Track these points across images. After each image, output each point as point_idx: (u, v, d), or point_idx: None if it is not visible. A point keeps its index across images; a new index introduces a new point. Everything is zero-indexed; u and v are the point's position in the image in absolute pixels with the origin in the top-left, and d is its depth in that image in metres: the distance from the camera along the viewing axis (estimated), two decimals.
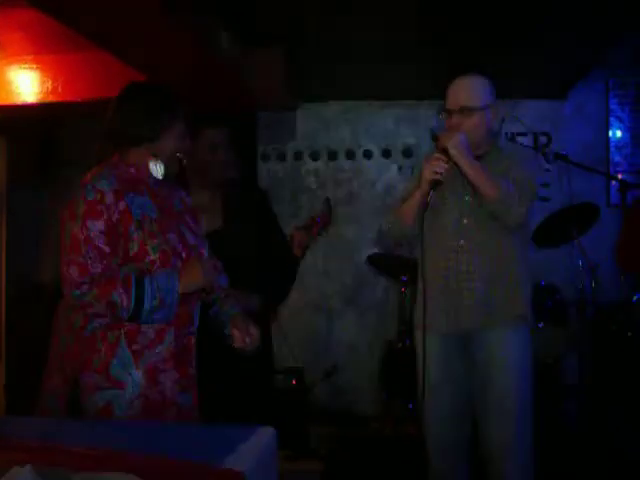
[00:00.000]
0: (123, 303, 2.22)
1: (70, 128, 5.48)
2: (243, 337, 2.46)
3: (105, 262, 2.26)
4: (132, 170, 2.41)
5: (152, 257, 2.31)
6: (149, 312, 2.25)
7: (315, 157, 6.13)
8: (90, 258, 2.25)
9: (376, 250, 5.56)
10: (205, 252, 2.55)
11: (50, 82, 4.97)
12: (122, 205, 2.30)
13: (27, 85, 4.96)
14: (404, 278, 5.13)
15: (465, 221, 2.95)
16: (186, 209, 2.56)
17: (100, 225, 2.26)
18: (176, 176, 2.66)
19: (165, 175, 2.44)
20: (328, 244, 5.81)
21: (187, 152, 2.54)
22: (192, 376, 2.44)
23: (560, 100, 5.88)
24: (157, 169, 2.42)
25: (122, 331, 2.30)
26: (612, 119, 5.87)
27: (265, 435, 1.76)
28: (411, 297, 5.11)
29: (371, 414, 5.57)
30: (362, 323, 5.98)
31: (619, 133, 5.86)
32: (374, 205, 6.02)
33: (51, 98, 4.96)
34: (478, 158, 2.95)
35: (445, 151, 2.86)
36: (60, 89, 4.96)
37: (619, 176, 5.46)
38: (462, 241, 2.94)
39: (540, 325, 4.67)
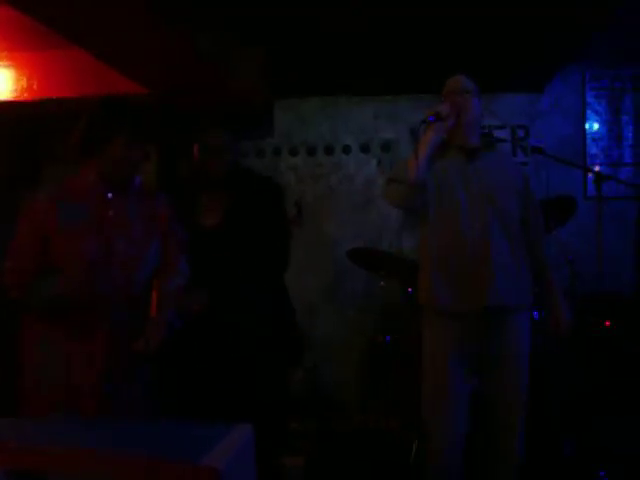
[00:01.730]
0: (18, 295, 2.68)
1: (46, 126, 5.44)
2: (143, 341, 2.68)
3: (23, 256, 2.68)
4: (77, 179, 2.75)
5: (62, 258, 2.65)
6: (39, 307, 2.65)
7: (294, 153, 6.12)
8: (16, 250, 2.70)
9: (356, 244, 5.57)
10: (144, 253, 2.79)
11: (25, 79, 4.94)
12: (50, 211, 2.66)
13: (2, 83, 4.92)
14: (384, 272, 5.13)
15: (479, 208, 3.08)
16: (140, 215, 2.81)
17: (27, 226, 2.69)
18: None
19: (111, 179, 2.73)
20: (308, 239, 5.81)
21: (138, 160, 2.77)
22: (100, 368, 2.65)
23: (537, 93, 5.90)
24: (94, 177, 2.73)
25: (46, 322, 2.67)
26: (589, 112, 5.90)
27: (241, 432, 1.76)
28: (399, 287, 5.13)
29: (353, 409, 5.58)
30: (342, 317, 5.99)
31: (596, 126, 5.89)
32: (353, 200, 6.03)
33: (26, 96, 4.93)
34: (473, 149, 3.18)
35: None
36: (35, 86, 4.93)
37: (596, 168, 5.50)
38: (477, 224, 3.06)
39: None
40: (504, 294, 3.04)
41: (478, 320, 3.05)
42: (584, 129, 5.89)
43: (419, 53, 4.87)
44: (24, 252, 2.69)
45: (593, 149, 5.86)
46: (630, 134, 5.84)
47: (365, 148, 6.06)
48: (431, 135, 3.03)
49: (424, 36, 4.65)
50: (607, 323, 4.58)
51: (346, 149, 6.09)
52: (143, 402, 2.80)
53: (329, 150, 6.10)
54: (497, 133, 5.51)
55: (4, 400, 2.87)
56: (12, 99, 4.95)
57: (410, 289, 4.86)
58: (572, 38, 4.69)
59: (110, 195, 2.74)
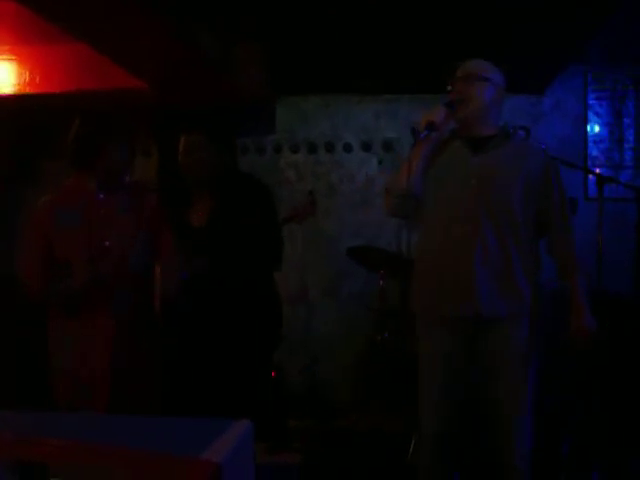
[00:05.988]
0: (36, 291, 2.95)
1: (48, 120, 5.44)
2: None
3: (31, 253, 2.96)
4: (73, 184, 3.03)
5: (62, 256, 2.92)
6: (57, 304, 2.94)
7: (295, 150, 6.13)
8: (24, 250, 3.01)
9: (356, 243, 5.58)
10: (134, 245, 3.00)
11: (28, 74, 4.94)
12: (49, 214, 2.95)
13: (4, 77, 4.92)
14: (383, 271, 5.14)
15: (468, 206, 2.90)
16: (129, 211, 3.04)
17: (32, 227, 2.99)
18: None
19: (103, 183, 2.99)
20: (307, 237, 5.82)
21: (126, 162, 3.07)
22: (109, 352, 2.93)
23: (539, 95, 5.91)
24: (89, 181, 3.00)
25: (55, 312, 2.97)
26: (590, 114, 5.92)
27: (241, 428, 1.76)
28: (398, 286, 5.13)
29: (350, 407, 5.59)
30: (341, 316, 6.00)
31: (597, 128, 5.90)
32: (354, 198, 6.04)
33: (28, 90, 4.93)
34: (484, 139, 2.99)
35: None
36: (38, 81, 4.94)
37: (597, 170, 5.51)
38: (469, 226, 2.88)
39: None
40: (486, 304, 2.85)
41: (463, 327, 2.91)
42: (585, 131, 5.90)
43: (420, 53, 4.88)
44: (32, 254, 2.98)
45: (594, 151, 5.88)
46: (631, 137, 5.85)
47: (366, 147, 6.07)
48: (424, 146, 2.92)
49: (426, 36, 4.66)
50: (606, 323, 4.57)
51: (347, 147, 6.09)
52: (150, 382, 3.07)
53: (330, 148, 6.10)
54: None
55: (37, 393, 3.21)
56: (14, 93, 4.96)
57: None
58: (574, 36, 4.69)
59: (101, 196, 3.01)
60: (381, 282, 5.16)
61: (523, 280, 2.91)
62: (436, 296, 2.97)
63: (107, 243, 2.94)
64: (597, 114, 5.91)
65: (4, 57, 4.92)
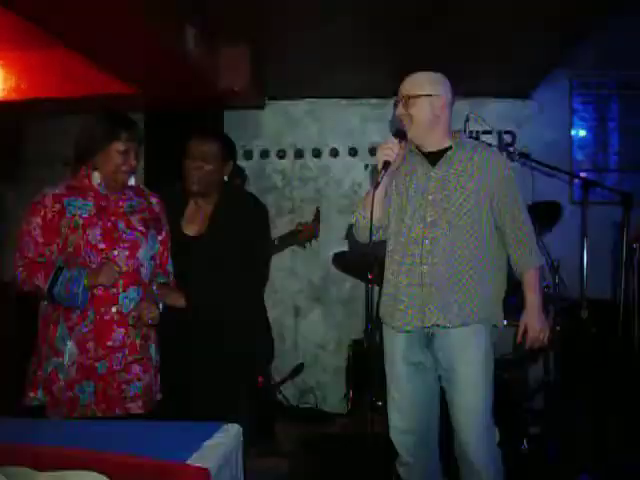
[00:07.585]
0: (40, 286, 2.81)
1: (34, 126, 5.44)
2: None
3: (38, 249, 2.87)
4: (79, 180, 2.97)
5: (70, 249, 2.85)
6: (58, 297, 2.79)
7: (282, 155, 6.14)
8: (26, 245, 2.88)
9: (342, 248, 5.59)
10: (139, 247, 2.97)
11: (14, 79, 4.93)
12: (58, 206, 2.88)
13: None
14: (370, 276, 5.13)
15: (429, 219, 2.95)
16: (134, 212, 3.02)
17: (37, 220, 2.87)
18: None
19: (109, 183, 2.96)
20: None
21: (132, 167, 2.99)
22: (110, 348, 2.84)
23: (524, 99, 5.94)
24: (94, 178, 2.96)
25: (61, 310, 2.84)
26: (575, 118, 5.95)
27: (230, 432, 1.77)
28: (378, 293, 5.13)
29: (338, 412, 5.60)
30: (329, 321, 6.01)
31: (582, 132, 5.94)
32: (341, 203, 6.04)
33: (14, 95, 4.92)
34: (439, 152, 3.01)
35: (400, 135, 2.99)
36: (24, 86, 4.92)
37: (582, 174, 5.54)
38: (426, 240, 2.94)
39: (504, 322, 4.69)
40: (433, 314, 2.91)
41: (418, 332, 2.98)
42: (570, 135, 5.93)
43: (406, 57, 4.88)
44: (34, 247, 2.87)
45: (579, 155, 5.92)
46: (616, 141, 5.90)
47: (353, 152, 6.08)
48: (382, 182, 2.98)
49: (411, 38, 4.67)
50: (591, 328, 4.61)
51: (334, 152, 6.10)
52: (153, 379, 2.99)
53: (317, 153, 6.11)
54: (484, 138, 5.53)
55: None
56: (0, 99, 4.94)
57: None
58: (558, 45, 4.73)
59: (109, 192, 2.97)
60: (370, 286, 5.16)
61: (476, 290, 2.96)
62: (392, 304, 3.05)
63: (121, 236, 2.91)
64: (582, 118, 5.94)
65: None
